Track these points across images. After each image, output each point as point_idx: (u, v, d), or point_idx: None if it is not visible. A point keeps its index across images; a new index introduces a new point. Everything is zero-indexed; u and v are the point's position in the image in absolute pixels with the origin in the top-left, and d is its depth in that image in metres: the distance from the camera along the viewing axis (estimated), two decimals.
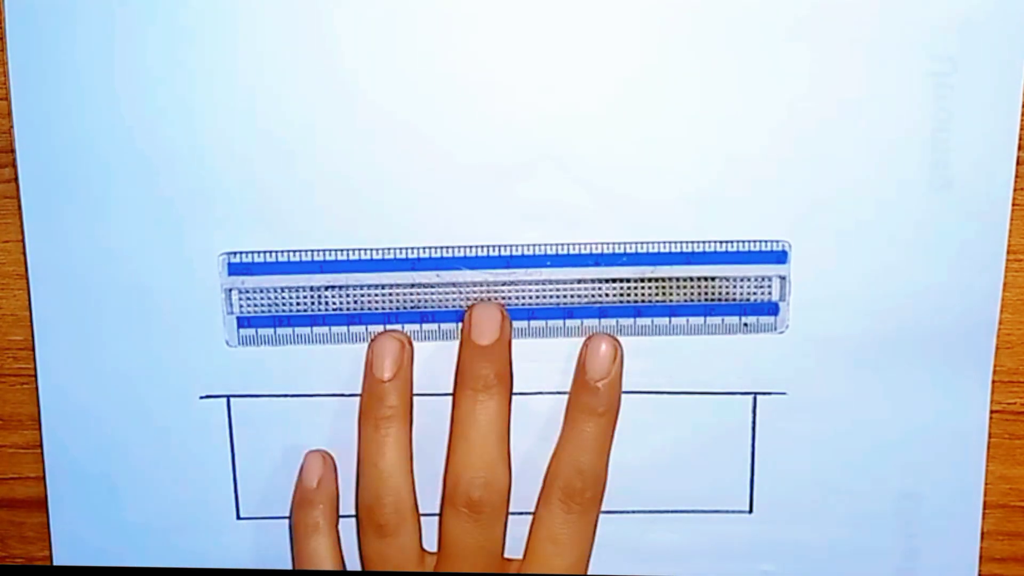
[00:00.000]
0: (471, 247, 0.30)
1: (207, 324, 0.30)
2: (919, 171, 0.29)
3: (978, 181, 0.29)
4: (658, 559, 0.32)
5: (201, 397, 0.31)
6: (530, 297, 0.30)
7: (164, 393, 0.31)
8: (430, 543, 0.31)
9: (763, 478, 0.31)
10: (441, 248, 0.30)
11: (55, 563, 0.32)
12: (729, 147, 0.29)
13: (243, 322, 0.30)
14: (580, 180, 0.29)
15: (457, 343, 0.30)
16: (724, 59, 0.28)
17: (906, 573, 0.32)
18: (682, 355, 0.30)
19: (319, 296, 0.30)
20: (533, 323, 0.30)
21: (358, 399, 0.30)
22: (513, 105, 0.29)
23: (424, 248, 0.30)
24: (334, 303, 0.30)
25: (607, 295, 0.30)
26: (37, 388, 0.31)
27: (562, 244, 0.30)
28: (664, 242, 0.30)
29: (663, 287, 0.30)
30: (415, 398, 0.30)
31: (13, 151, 0.29)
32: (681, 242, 0.30)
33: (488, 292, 0.30)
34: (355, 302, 0.30)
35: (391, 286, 0.30)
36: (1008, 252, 0.30)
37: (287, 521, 0.32)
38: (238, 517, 0.32)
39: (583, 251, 0.30)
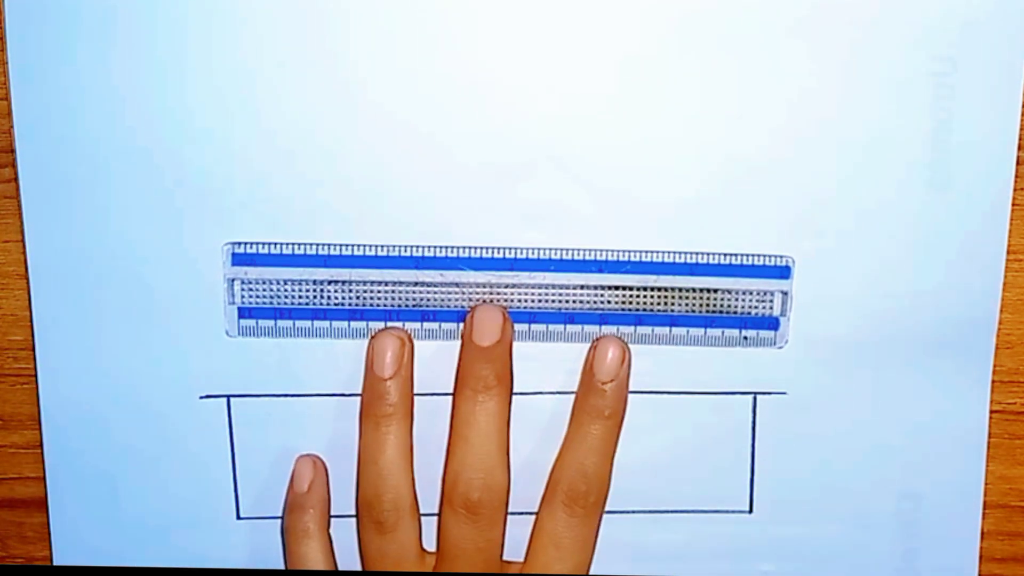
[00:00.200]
0: (475, 248, 0.30)
1: (208, 322, 0.30)
2: (919, 171, 0.29)
3: (978, 181, 0.29)
4: (658, 559, 0.32)
5: (201, 397, 0.31)
6: (532, 301, 0.30)
7: (164, 393, 0.31)
8: (430, 543, 0.31)
9: (763, 478, 0.31)
10: (445, 248, 0.30)
11: (55, 563, 0.32)
12: (729, 147, 0.29)
13: (244, 313, 0.30)
14: (582, 181, 0.29)
15: (458, 343, 0.30)
16: (724, 60, 0.28)
17: (906, 573, 0.32)
18: (682, 356, 0.30)
19: (321, 290, 0.30)
20: (534, 327, 0.30)
21: (358, 399, 0.30)
22: (516, 106, 0.29)
23: (428, 247, 0.30)
24: (336, 298, 0.30)
25: (609, 302, 0.30)
26: (37, 388, 0.31)
27: (566, 249, 0.30)
28: (667, 252, 0.30)
29: (665, 297, 0.30)
30: (415, 398, 0.30)
31: (13, 151, 0.29)
32: (685, 252, 0.30)
33: (490, 294, 0.30)
34: (357, 298, 0.30)
35: (394, 283, 0.30)
36: (1008, 252, 0.30)
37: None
38: (238, 517, 0.32)
39: (587, 257, 0.30)
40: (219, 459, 0.31)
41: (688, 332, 0.30)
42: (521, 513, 0.30)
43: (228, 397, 0.31)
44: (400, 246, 0.30)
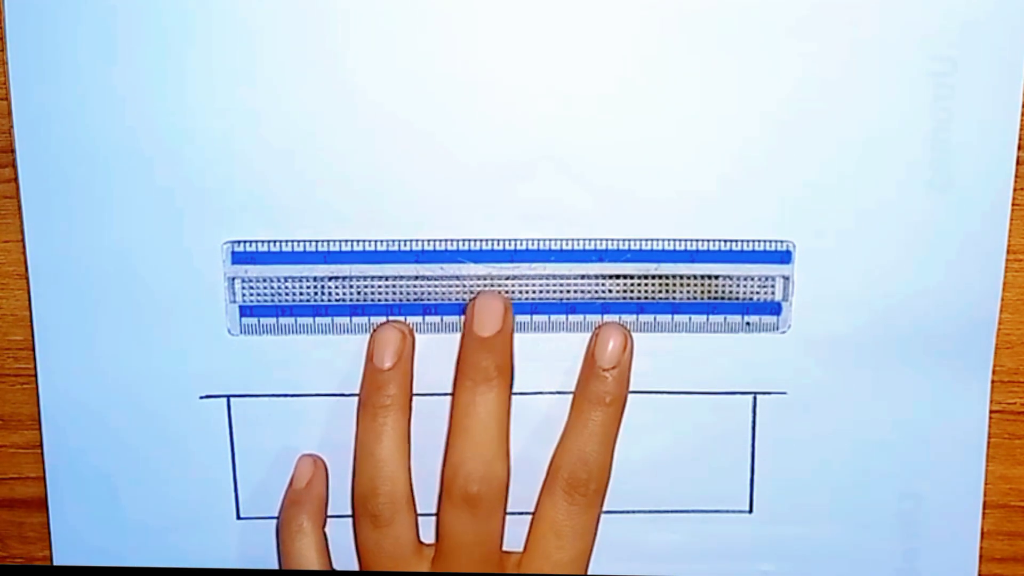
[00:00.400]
0: (475, 240, 0.30)
1: (209, 320, 0.30)
2: (919, 171, 0.29)
3: (978, 181, 0.29)
4: (658, 559, 0.32)
5: (201, 397, 0.31)
6: (533, 292, 0.30)
7: (164, 393, 0.31)
8: (427, 538, 0.31)
9: (763, 478, 0.31)
10: (445, 241, 0.30)
11: (55, 563, 0.32)
12: (729, 146, 0.29)
13: (245, 311, 0.30)
14: (582, 179, 0.29)
15: (459, 336, 0.30)
16: (725, 59, 0.28)
17: (906, 573, 0.32)
18: (682, 355, 0.30)
19: (322, 286, 0.30)
20: (535, 318, 0.30)
21: (358, 399, 0.30)
22: (515, 103, 0.29)
23: (428, 241, 0.30)
24: (337, 294, 0.30)
25: (610, 291, 0.30)
26: (37, 388, 0.31)
27: (566, 240, 0.30)
28: (668, 240, 0.30)
29: (666, 284, 0.30)
30: (416, 397, 0.30)
31: (13, 151, 0.29)
32: (685, 240, 0.30)
33: (491, 286, 0.30)
34: (358, 293, 0.30)
35: (394, 278, 0.30)
36: (1008, 252, 0.30)
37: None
38: (238, 517, 0.32)
39: (587, 247, 0.30)
40: (219, 459, 0.31)
41: (690, 319, 0.30)
42: (520, 513, 0.30)
43: (228, 397, 0.31)
44: (400, 240, 0.30)
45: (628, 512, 0.32)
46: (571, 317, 0.30)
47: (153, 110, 0.29)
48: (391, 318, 0.30)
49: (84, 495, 0.31)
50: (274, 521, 0.32)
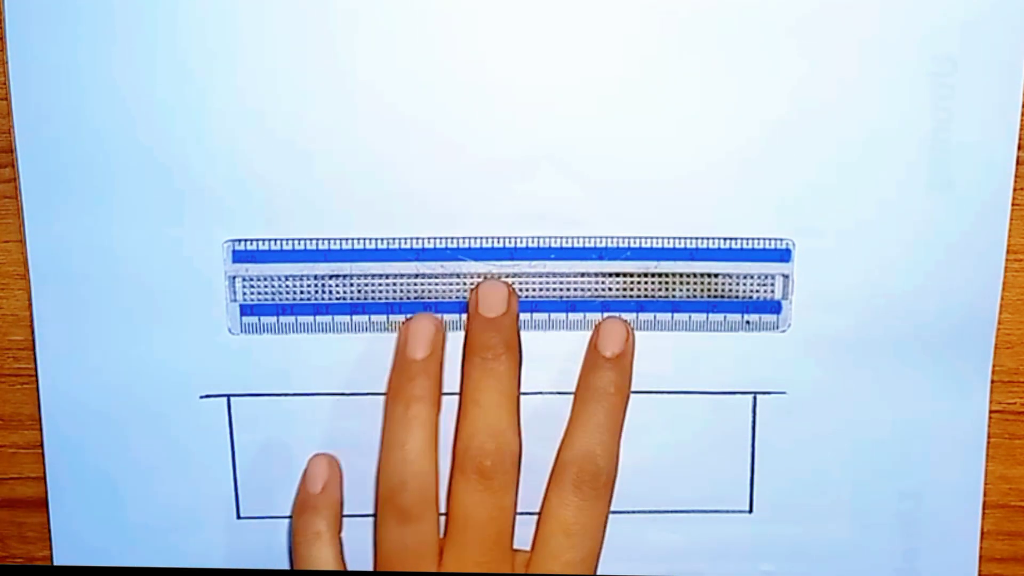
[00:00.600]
0: (475, 238, 0.30)
1: (209, 319, 0.30)
2: (919, 171, 0.29)
3: (978, 181, 0.29)
4: (658, 559, 0.32)
5: (201, 397, 0.31)
6: (533, 289, 0.30)
7: (164, 393, 0.31)
8: None
9: (763, 478, 0.31)
10: (445, 239, 0.30)
11: (55, 563, 0.32)
12: (729, 145, 0.29)
13: (246, 310, 0.30)
14: (582, 177, 0.29)
15: (460, 335, 0.30)
16: (725, 58, 0.28)
17: (906, 573, 0.32)
18: (682, 355, 0.30)
19: (322, 285, 0.30)
20: (535, 315, 0.30)
21: (360, 399, 0.30)
22: (515, 101, 0.29)
23: (428, 239, 0.30)
24: (337, 292, 0.30)
25: (610, 289, 0.30)
26: (37, 388, 0.31)
27: (566, 237, 0.30)
28: (668, 238, 0.30)
29: (666, 283, 0.30)
30: None
31: (13, 151, 0.29)
32: (685, 238, 0.30)
33: None
34: (358, 291, 0.30)
35: (395, 276, 0.30)
36: (1008, 252, 0.30)
37: (287, 522, 0.32)
38: (238, 517, 0.32)
39: (586, 245, 0.30)
40: (219, 459, 0.31)
41: (690, 318, 0.30)
42: (522, 513, 0.30)
43: (228, 397, 0.31)
44: (400, 238, 0.30)
45: (628, 512, 0.32)
46: (571, 315, 0.30)
47: (153, 110, 0.29)
48: (391, 317, 0.30)
49: (84, 495, 0.31)
50: (275, 521, 0.32)
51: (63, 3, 0.28)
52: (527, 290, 0.30)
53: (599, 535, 0.29)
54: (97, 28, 0.28)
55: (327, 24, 0.28)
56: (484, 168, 0.29)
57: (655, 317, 0.30)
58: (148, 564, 0.32)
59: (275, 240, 0.30)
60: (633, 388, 0.30)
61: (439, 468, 0.29)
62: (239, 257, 0.30)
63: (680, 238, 0.30)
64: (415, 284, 0.30)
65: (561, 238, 0.30)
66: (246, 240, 0.30)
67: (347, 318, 0.30)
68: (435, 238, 0.30)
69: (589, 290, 0.30)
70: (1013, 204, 0.29)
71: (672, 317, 0.30)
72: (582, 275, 0.30)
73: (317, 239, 0.30)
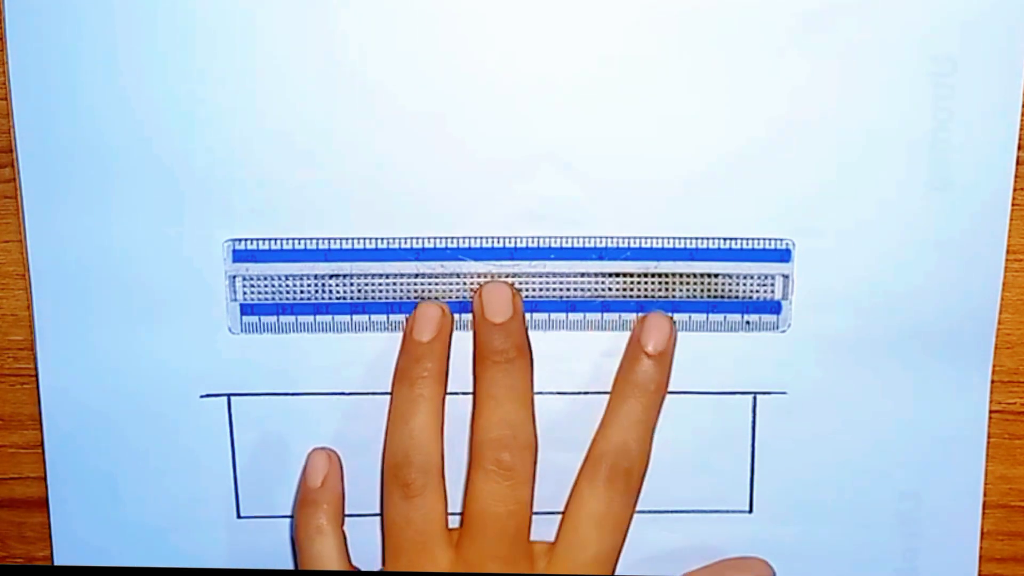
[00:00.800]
0: (475, 238, 0.30)
1: (210, 319, 0.30)
2: (918, 171, 0.29)
3: (978, 181, 0.29)
4: (658, 559, 0.32)
5: (201, 396, 0.31)
6: (533, 290, 0.30)
7: (165, 392, 0.31)
8: None
9: (763, 478, 0.31)
10: (446, 239, 0.30)
11: (55, 563, 0.32)
12: (729, 145, 0.29)
13: (246, 309, 0.30)
14: (582, 177, 0.29)
15: (460, 334, 0.30)
16: (726, 59, 0.28)
17: (906, 573, 0.32)
18: (682, 355, 0.30)
19: (323, 284, 0.30)
20: (535, 316, 0.30)
21: (360, 398, 0.30)
22: (516, 101, 0.29)
23: (429, 238, 0.30)
24: (338, 292, 0.30)
25: (610, 289, 0.30)
26: (37, 388, 0.31)
27: (566, 237, 0.30)
28: (668, 238, 0.30)
29: (666, 283, 0.30)
30: None
31: (13, 151, 0.29)
32: (685, 238, 0.30)
33: None
34: (359, 291, 0.30)
35: (395, 276, 0.30)
36: (1008, 252, 0.30)
37: (288, 520, 0.32)
38: (238, 517, 0.32)
39: (586, 245, 0.30)
40: (219, 458, 0.31)
41: (690, 318, 0.30)
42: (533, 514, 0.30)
43: (228, 396, 0.31)
44: (400, 238, 0.30)
45: None
46: (571, 315, 0.30)
47: (153, 109, 0.29)
48: (392, 316, 0.30)
49: (84, 495, 0.31)
50: (275, 520, 0.32)
51: (63, 3, 0.28)
52: (527, 290, 0.30)
53: (625, 531, 0.29)
54: (97, 28, 0.28)
55: (327, 24, 0.28)
56: (484, 168, 0.29)
57: None
58: (148, 564, 0.32)
59: (275, 240, 0.30)
60: None
61: (443, 447, 0.29)
62: (239, 257, 0.30)
63: (680, 238, 0.30)
64: (415, 284, 0.30)
65: (561, 238, 0.30)
66: (246, 240, 0.30)
67: (347, 318, 0.30)
68: (435, 238, 0.30)
69: (589, 290, 0.30)
70: (1013, 204, 0.29)
71: (672, 317, 0.30)
72: (582, 275, 0.30)
73: (317, 239, 0.30)
